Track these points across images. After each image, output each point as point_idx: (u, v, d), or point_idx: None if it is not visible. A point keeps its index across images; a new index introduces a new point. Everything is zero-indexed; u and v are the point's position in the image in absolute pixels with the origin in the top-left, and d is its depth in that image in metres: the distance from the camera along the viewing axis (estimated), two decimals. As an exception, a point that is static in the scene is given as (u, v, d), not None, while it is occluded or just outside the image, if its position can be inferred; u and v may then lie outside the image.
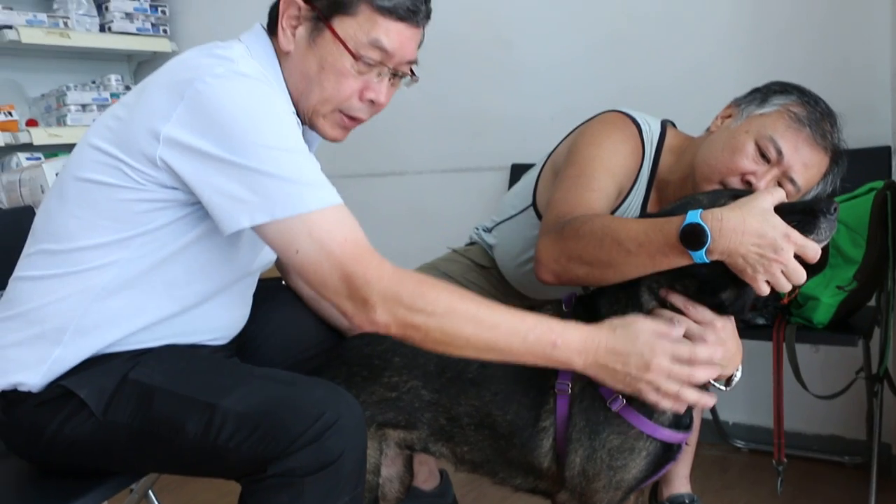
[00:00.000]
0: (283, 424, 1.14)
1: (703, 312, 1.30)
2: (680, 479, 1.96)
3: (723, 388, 1.39)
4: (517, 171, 2.72)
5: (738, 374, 1.39)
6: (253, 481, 1.18)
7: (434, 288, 1.22)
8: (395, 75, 1.40)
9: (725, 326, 1.32)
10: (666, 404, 1.26)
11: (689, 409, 1.38)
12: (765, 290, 1.23)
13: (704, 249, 1.22)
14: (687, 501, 1.94)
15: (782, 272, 1.21)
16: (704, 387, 1.36)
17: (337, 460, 1.15)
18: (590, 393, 1.33)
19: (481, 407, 1.40)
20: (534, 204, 1.81)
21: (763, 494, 2.16)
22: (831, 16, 2.31)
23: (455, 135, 3.05)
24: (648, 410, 1.32)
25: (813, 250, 1.21)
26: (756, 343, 1.95)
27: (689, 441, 1.91)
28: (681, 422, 1.37)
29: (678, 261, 1.26)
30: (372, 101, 1.40)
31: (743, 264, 1.22)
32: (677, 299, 1.31)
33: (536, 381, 1.36)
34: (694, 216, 1.23)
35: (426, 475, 2.05)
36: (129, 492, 1.93)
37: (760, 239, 1.20)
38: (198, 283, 1.35)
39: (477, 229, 2.07)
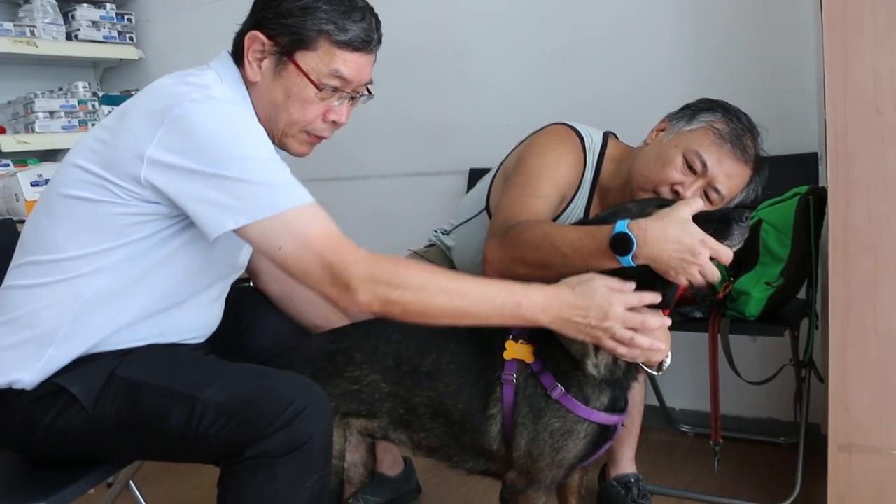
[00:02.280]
0: (258, 412, 1.27)
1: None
2: (626, 460, 2.12)
3: (655, 372, 1.52)
4: (475, 175, 2.84)
5: (668, 360, 1.51)
6: (231, 464, 1.31)
7: (406, 267, 1.35)
8: (354, 97, 1.55)
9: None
10: (622, 350, 1.38)
11: (625, 394, 1.53)
12: (685, 283, 1.38)
13: (631, 255, 1.37)
14: (632, 480, 2.09)
15: (699, 272, 1.37)
16: (637, 369, 1.52)
17: (307, 443, 1.28)
18: (532, 382, 1.46)
19: (435, 397, 1.51)
20: (487, 208, 1.94)
21: (705, 474, 2.30)
22: (764, 33, 2.46)
23: (416, 141, 3.15)
24: (585, 397, 1.46)
25: (726, 254, 1.36)
26: (698, 335, 2.07)
27: (632, 424, 2.07)
28: (616, 405, 1.51)
29: (608, 264, 1.41)
30: (334, 122, 1.54)
31: (666, 267, 1.37)
32: None
33: (484, 372, 1.49)
34: (622, 226, 1.38)
35: (391, 462, 2.20)
36: (108, 486, 2.04)
37: (680, 245, 1.34)
38: (178, 287, 1.47)
39: (436, 232, 2.18)
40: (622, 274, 1.42)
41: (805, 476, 2.09)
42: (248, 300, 1.79)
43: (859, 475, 1.71)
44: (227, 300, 1.67)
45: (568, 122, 1.87)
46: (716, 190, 1.67)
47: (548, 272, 1.49)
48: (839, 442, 1.72)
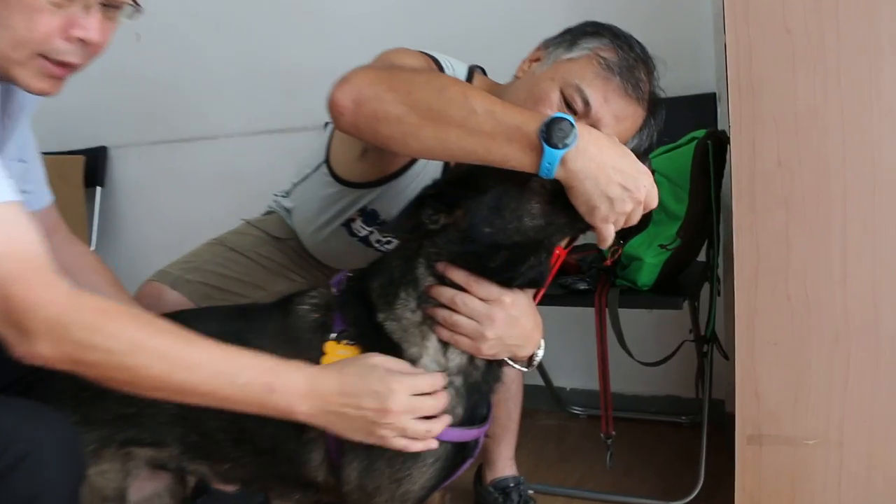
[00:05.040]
0: None
1: (489, 288, 1.15)
2: (503, 461, 1.87)
3: (524, 368, 1.29)
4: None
5: (541, 352, 1.27)
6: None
7: (119, 319, 1.01)
8: (109, 6, 1.13)
9: (516, 302, 1.17)
10: (418, 446, 1.12)
11: (486, 399, 1.25)
12: (606, 234, 1.09)
13: (562, 152, 1.03)
14: (512, 485, 1.85)
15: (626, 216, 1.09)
16: (501, 366, 1.26)
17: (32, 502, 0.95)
18: None
19: (234, 420, 1.21)
20: (327, 160, 1.65)
21: (599, 465, 2.07)
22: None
23: (267, 94, 2.90)
24: None
25: (654, 199, 1.10)
26: (583, 309, 1.90)
27: (509, 419, 1.85)
28: (475, 414, 1.23)
29: (518, 157, 1.06)
30: (82, 41, 1.13)
31: (592, 190, 1.06)
32: (458, 274, 1.16)
33: None
34: (568, 117, 1.05)
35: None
36: None
37: (621, 169, 1.06)
38: None
39: (276, 196, 1.93)
40: (480, 250, 1.13)
41: (710, 465, 1.93)
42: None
43: (770, 469, 1.56)
44: None
45: (424, 51, 1.54)
46: None
47: (424, 130, 1.10)
48: (748, 433, 1.56)
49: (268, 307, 1.30)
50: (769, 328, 1.50)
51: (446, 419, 1.14)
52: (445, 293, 1.15)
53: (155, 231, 3.05)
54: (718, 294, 1.94)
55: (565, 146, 1.03)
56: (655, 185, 1.10)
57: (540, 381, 2.49)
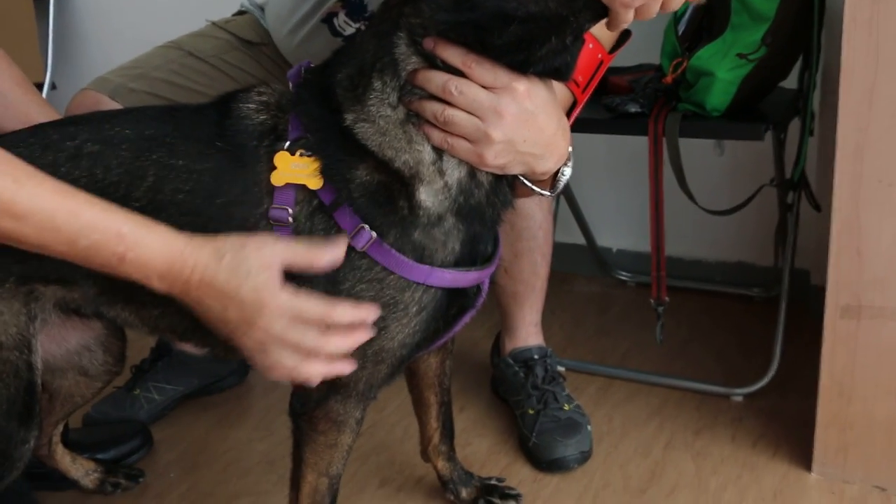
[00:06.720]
0: None
1: (495, 71, 1.00)
2: (527, 327, 1.81)
3: (546, 192, 1.18)
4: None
5: (568, 171, 1.16)
6: None
7: None
8: None
9: (532, 92, 1.03)
10: (281, 374, 1.06)
11: (492, 229, 1.17)
12: (621, 19, 0.96)
13: None
14: (536, 357, 1.78)
15: None
16: (514, 188, 1.15)
17: None
18: (322, 224, 1.11)
19: None
20: None
21: (648, 340, 2.02)
22: None
23: None
24: (416, 245, 1.11)
25: None
26: (636, 140, 1.83)
27: (535, 275, 1.76)
28: (476, 250, 1.13)
29: None
30: None
31: None
32: (453, 53, 1.00)
33: (239, 206, 1.14)
34: None
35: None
36: None
37: None
38: None
39: None
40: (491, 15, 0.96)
41: (787, 347, 1.85)
42: None
43: (869, 351, 1.47)
44: None
45: None
46: None
47: None
48: (843, 303, 1.47)
49: (202, 106, 1.19)
50: (883, 163, 1.37)
51: (362, 334, 1.05)
52: (436, 78, 1.01)
53: (121, 50, 2.92)
54: (811, 133, 1.82)
55: None
56: None
57: (580, 240, 2.44)
